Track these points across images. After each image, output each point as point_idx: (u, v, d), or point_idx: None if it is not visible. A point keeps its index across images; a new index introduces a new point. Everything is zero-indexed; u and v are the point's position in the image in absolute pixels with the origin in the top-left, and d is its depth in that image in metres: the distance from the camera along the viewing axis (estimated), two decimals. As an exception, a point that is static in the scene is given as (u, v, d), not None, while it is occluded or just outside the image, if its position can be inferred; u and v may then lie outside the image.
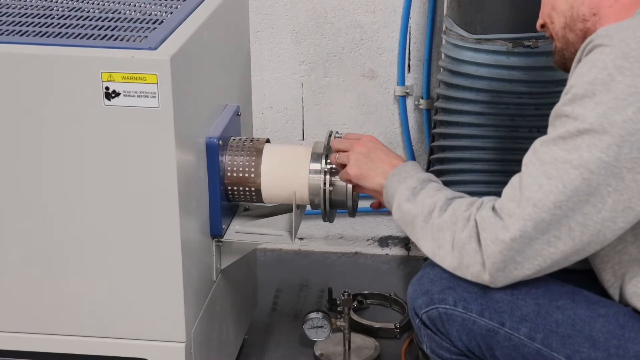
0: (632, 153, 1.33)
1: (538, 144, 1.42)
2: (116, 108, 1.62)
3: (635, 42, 1.33)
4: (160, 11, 1.85)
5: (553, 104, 1.46)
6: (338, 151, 1.79)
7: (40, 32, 1.71)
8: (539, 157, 1.40)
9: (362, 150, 1.72)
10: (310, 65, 2.68)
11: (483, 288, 1.51)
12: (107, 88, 1.61)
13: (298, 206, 1.92)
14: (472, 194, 2.32)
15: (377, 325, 2.39)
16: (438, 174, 2.39)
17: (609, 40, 1.34)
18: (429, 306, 1.56)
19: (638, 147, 1.33)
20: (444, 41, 2.32)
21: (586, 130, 1.35)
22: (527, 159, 1.44)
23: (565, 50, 1.57)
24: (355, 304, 2.45)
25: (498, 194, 2.30)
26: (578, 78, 1.36)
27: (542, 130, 1.45)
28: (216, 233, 1.89)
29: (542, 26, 1.62)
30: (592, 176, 1.35)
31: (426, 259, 2.43)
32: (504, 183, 2.27)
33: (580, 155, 1.35)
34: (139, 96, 1.61)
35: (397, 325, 2.37)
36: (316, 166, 1.89)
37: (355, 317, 2.39)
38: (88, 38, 1.68)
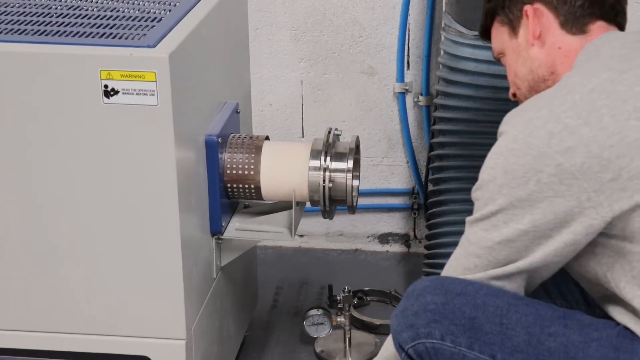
0: (547, 217, 1.42)
1: (467, 224, 1.53)
2: (115, 106, 1.62)
3: (522, 125, 1.43)
4: (159, 9, 1.85)
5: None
6: None
7: (38, 30, 1.71)
8: (467, 237, 1.52)
9: None
10: (310, 62, 2.68)
11: (471, 319, 1.49)
12: (105, 86, 1.61)
13: (298, 203, 1.92)
14: (469, 190, 2.33)
15: (377, 322, 2.39)
16: (438, 170, 2.39)
17: (505, 127, 1.47)
18: (414, 340, 1.52)
19: (550, 210, 1.41)
20: (442, 38, 2.32)
21: (498, 210, 1.44)
22: (462, 238, 1.54)
23: None
24: (355, 300, 2.46)
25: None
26: (485, 166, 1.48)
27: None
28: (216, 230, 1.89)
29: (514, 95, 1.71)
30: (516, 243, 1.45)
31: (426, 256, 2.43)
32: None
33: (500, 232, 1.45)
34: (137, 94, 1.61)
35: (398, 321, 2.36)
36: (315, 163, 1.89)
37: (355, 313, 2.39)
38: (87, 36, 1.68)
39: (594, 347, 1.44)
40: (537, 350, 1.46)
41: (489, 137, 2.28)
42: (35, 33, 1.70)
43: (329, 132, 1.93)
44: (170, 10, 1.83)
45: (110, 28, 1.73)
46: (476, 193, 1.49)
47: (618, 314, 1.47)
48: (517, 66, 1.64)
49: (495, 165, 1.45)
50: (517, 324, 1.47)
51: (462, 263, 1.52)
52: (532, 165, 1.40)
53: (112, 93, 1.61)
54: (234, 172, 1.89)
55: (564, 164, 1.38)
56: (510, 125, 1.46)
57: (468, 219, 1.51)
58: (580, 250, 1.45)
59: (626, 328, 1.45)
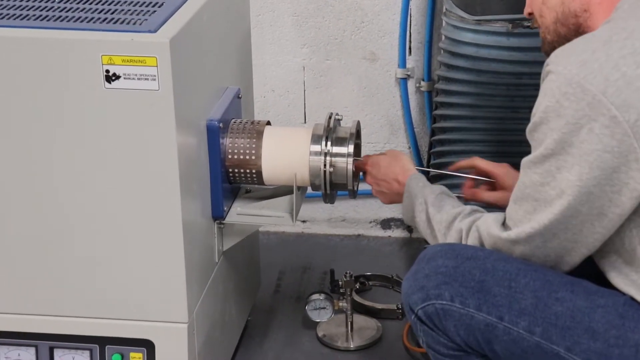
0: (593, 171, 1.40)
1: (523, 166, 1.51)
2: (116, 91, 1.62)
3: (577, 67, 1.39)
4: (160, -6, 1.85)
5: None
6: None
7: (40, 15, 1.71)
8: (522, 180, 1.50)
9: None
10: (312, 48, 2.68)
11: (480, 282, 1.52)
12: (107, 71, 1.61)
13: (299, 188, 1.93)
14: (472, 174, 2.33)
15: (379, 306, 2.40)
16: (439, 155, 2.40)
17: (555, 66, 1.42)
18: (425, 302, 1.56)
19: (597, 165, 1.39)
20: (444, 23, 2.32)
21: (549, 154, 1.43)
22: (519, 179, 1.52)
23: (557, 42, 1.60)
24: (357, 285, 2.46)
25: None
26: (537, 107, 1.46)
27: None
28: (218, 215, 1.90)
29: (530, 14, 1.65)
30: (565, 195, 1.43)
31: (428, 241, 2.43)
32: (499, 155, 2.28)
33: (554, 177, 1.43)
34: (139, 79, 1.61)
35: (399, 306, 2.37)
36: (316, 148, 1.89)
37: (357, 298, 2.40)
38: (88, 21, 1.68)
39: (599, 313, 1.46)
40: (543, 313, 1.48)
41: (491, 122, 2.31)
42: (36, 18, 1.70)
43: (330, 117, 1.94)
44: (171, -4, 1.83)
45: (112, 13, 1.73)
46: (531, 134, 1.47)
47: (624, 285, 1.48)
48: None
49: (547, 108, 1.42)
50: (525, 287, 1.50)
51: (523, 206, 1.50)
52: (586, 112, 1.37)
53: (113, 78, 1.61)
54: (236, 157, 1.90)
55: (618, 117, 1.36)
56: (563, 65, 1.41)
57: (524, 160, 1.49)
58: None
59: (632, 299, 1.47)
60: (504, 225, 1.55)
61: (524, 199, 1.50)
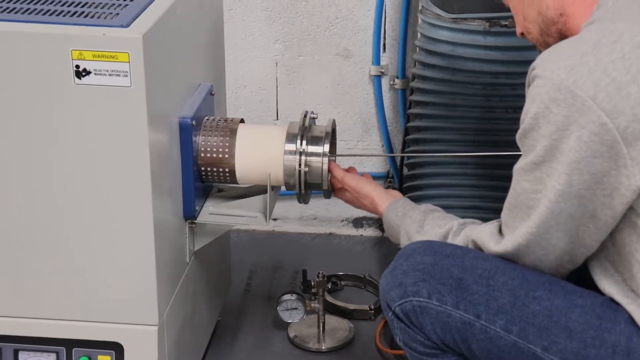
0: (583, 176, 1.39)
1: (515, 173, 1.49)
2: (87, 87, 1.58)
3: (566, 72, 1.37)
4: (132, -13, 1.81)
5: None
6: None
7: (7, 8, 1.67)
8: (514, 187, 1.49)
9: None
10: (285, 44, 2.65)
11: (458, 280, 1.51)
12: (77, 66, 1.57)
13: (273, 187, 1.90)
14: (446, 175, 2.32)
15: (351, 306, 2.38)
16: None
17: (542, 71, 1.39)
18: (402, 299, 1.54)
19: (587, 170, 1.38)
20: (420, 20, 2.30)
21: (540, 162, 1.41)
22: (511, 186, 1.50)
23: None
24: (329, 285, 2.44)
25: (471, 176, 2.31)
26: (525, 113, 1.43)
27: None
28: (189, 214, 1.87)
29: (522, 34, 1.64)
30: (553, 205, 1.42)
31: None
32: (479, 164, 2.27)
33: (545, 185, 1.42)
34: (110, 75, 1.57)
35: (372, 306, 2.36)
36: (291, 147, 1.86)
37: (329, 298, 2.37)
38: (58, 15, 1.65)
39: (577, 312, 1.45)
40: (521, 312, 1.47)
41: (466, 122, 2.29)
42: (3, 11, 1.66)
43: (305, 116, 1.91)
44: (143, -11, 1.79)
45: (82, 7, 1.69)
46: (521, 141, 1.45)
47: (607, 284, 1.47)
48: (524, 8, 1.57)
49: (537, 114, 1.39)
50: (503, 286, 1.49)
51: (518, 214, 1.49)
52: (576, 119, 1.36)
53: (83, 74, 1.58)
54: (208, 155, 1.87)
55: (608, 124, 1.34)
56: (550, 70, 1.38)
57: (516, 167, 1.47)
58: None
59: (611, 299, 1.46)
60: (500, 233, 1.54)
61: (518, 206, 1.48)
